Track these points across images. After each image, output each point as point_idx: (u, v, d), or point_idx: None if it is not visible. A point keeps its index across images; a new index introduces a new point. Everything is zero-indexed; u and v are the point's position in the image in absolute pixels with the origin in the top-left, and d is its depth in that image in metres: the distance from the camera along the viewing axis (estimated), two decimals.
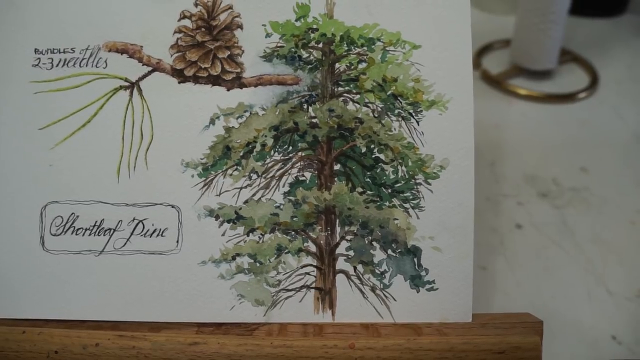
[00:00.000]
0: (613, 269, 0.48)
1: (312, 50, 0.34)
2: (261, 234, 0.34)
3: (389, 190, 0.34)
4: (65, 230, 0.34)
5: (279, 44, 0.34)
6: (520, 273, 0.48)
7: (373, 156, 0.34)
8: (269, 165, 0.34)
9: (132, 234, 0.34)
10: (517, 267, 0.48)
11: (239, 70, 0.34)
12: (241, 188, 0.34)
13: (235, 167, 0.34)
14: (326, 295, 0.34)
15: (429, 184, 0.34)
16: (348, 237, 0.34)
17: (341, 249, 0.34)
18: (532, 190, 0.56)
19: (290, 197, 0.34)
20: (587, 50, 0.75)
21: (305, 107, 0.34)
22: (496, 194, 0.55)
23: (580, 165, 0.59)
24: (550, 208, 0.54)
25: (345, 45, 0.34)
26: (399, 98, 0.34)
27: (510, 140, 0.62)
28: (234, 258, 0.34)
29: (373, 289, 0.34)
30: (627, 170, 0.58)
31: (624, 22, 0.84)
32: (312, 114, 0.34)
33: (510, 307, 0.45)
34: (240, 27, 0.34)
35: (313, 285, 0.34)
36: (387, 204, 0.34)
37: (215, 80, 0.34)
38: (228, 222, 0.34)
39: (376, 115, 0.34)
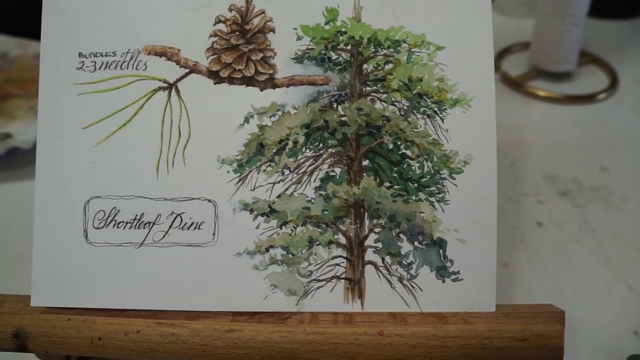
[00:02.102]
0: (633, 266, 0.49)
1: (341, 52, 0.35)
2: (293, 227, 0.35)
3: (415, 185, 0.35)
4: (107, 223, 0.35)
5: (309, 47, 0.35)
6: (541, 269, 0.49)
7: (400, 152, 0.35)
8: (301, 161, 0.35)
9: (170, 227, 0.35)
10: (539, 263, 0.49)
11: (271, 71, 0.35)
12: (274, 183, 0.35)
13: (268, 163, 0.35)
14: (355, 285, 0.35)
15: (454, 178, 0.35)
16: (376, 230, 0.35)
17: (370, 241, 0.35)
18: (553, 189, 0.57)
19: (321, 192, 0.35)
20: (606, 51, 0.75)
21: (335, 106, 0.35)
22: (517, 193, 0.56)
23: (600, 165, 0.59)
24: (570, 206, 0.55)
25: (373, 47, 0.35)
26: (424, 97, 0.35)
27: (531, 141, 0.63)
28: (267, 250, 0.35)
29: (400, 280, 0.35)
30: None
31: None
32: (342, 113, 0.35)
33: (532, 302, 0.45)
34: (273, 30, 0.36)
35: (343, 275, 0.35)
36: (413, 197, 0.35)
37: (249, 81, 0.35)
38: (262, 215, 0.35)
39: (402, 114, 0.35)
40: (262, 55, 0.35)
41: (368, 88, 0.35)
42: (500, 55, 0.75)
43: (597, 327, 0.44)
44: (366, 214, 0.35)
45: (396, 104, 0.35)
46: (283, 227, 0.35)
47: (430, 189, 0.35)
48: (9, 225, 0.54)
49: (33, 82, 0.69)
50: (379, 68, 0.35)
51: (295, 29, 0.35)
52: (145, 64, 0.36)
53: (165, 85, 0.36)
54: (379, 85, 0.35)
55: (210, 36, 0.36)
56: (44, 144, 0.36)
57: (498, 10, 0.83)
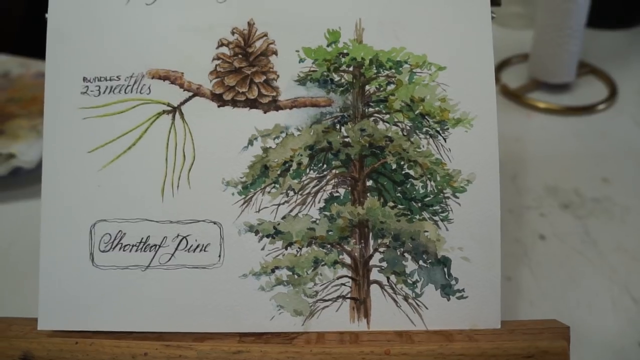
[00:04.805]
0: (637, 277, 0.49)
1: (343, 73, 0.36)
2: (299, 248, 0.35)
3: (419, 204, 0.35)
4: (113, 246, 0.36)
5: (312, 69, 0.36)
6: (545, 283, 0.49)
7: (403, 172, 0.35)
8: (305, 182, 0.35)
9: (176, 249, 0.35)
10: (542, 277, 0.49)
11: (274, 93, 0.36)
12: (279, 204, 0.35)
13: (273, 185, 0.35)
14: (361, 304, 0.35)
15: (457, 197, 0.35)
16: (381, 249, 0.35)
17: (375, 260, 0.35)
18: (554, 201, 0.57)
19: (326, 212, 0.35)
20: (605, 62, 0.76)
21: (338, 127, 0.36)
22: (519, 206, 0.56)
23: (602, 176, 0.59)
24: (572, 219, 0.55)
25: (375, 68, 0.36)
26: (426, 117, 0.35)
27: (531, 153, 0.63)
28: (273, 271, 0.35)
29: (406, 298, 0.35)
30: None
31: None
32: (345, 134, 0.36)
33: (536, 316, 0.45)
34: (275, 53, 0.36)
35: (348, 295, 0.35)
36: (417, 217, 0.35)
37: (252, 104, 0.36)
38: (267, 236, 0.35)
39: (405, 134, 0.35)
40: (265, 77, 0.36)
41: (370, 109, 0.36)
42: (500, 67, 0.75)
43: (601, 339, 0.44)
44: (371, 234, 0.35)
45: (399, 124, 0.35)
46: (288, 248, 0.35)
47: (434, 208, 0.35)
48: (13, 245, 0.54)
49: (35, 102, 0.69)
50: (381, 89, 0.36)
51: (297, 51, 0.36)
52: (149, 87, 0.36)
53: (169, 108, 0.36)
54: (381, 106, 0.36)
55: (213, 59, 0.36)
56: (50, 168, 0.36)
57: (497, 22, 0.83)
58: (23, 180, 0.60)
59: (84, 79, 0.36)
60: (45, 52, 0.37)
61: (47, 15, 0.37)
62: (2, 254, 0.53)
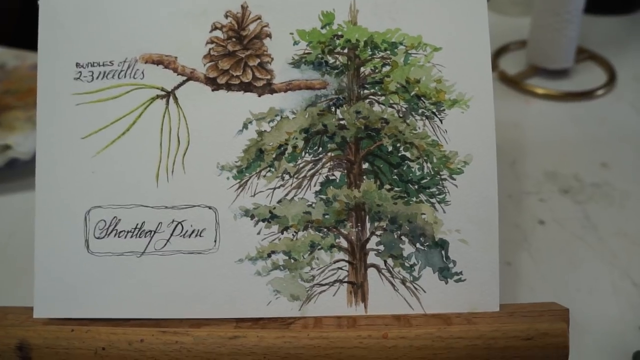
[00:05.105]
0: (637, 261, 0.49)
1: (337, 55, 0.36)
2: (295, 232, 0.35)
3: (416, 187, 0.35)
4: (108, 233, 0.36)
5: (306, 51, 0.36)
6: (544, 268, 0.49)
7: (399, 154, 0.35)
8: (301, 166, 0.35)
9: (171, 235, 0.35)
10: (542, 262, 0.49)
11: (269, 77, 0.35)
12: (275, 188, 0.35)
13: (268, 168, 0.35)
14: (358, 288, 0.35)
15: (454, 179, 0.35)
16: (378, 233, 0.35)
17: (371, 244, 0.35)
18: (554, 186, 0.57)
19: (322, 196, 0.35)
20: (604, 47, 0.76)
21: (333, 109, 0.35)
22: (518, 192, 0.56)
23: (601, 161, 0.59)
24: (572, 204, 0.55)
25: (369, 50, 0.35)
26: (422, 98, 0.35)
27: (530, 139, 0.63)
28: (269, 255, 0.35)
29: (403, 282, 0.35)
30: None
31: (639, 18, 0.84)
32: (340, 116, 0.35)
33: (536, 301, 0.45)
34: (269, 36, 0.36)
35: (345, 279, 0.35)
36: (414, 199, 0.35)
37: (247, 87, 0.36)
38: (263, 221, 0.35)
39: (401, 116, 0.35)
40: (259, 60, 0.35)
41: (366, 91, 0.35)
42: (498, 54, 0.75)
43: (602, 323, 0.44)
44: (367, 217, 0.35)
45: (394, 106, 0.35)
46: (284, 232, 0.35)
47: (431, 190, 0.35)
48: (10, 237, 0.54)
49: (31, 93, 0.69)
50: (376, 71, 0.35)
51: (291, 33, 0.36)
52: (142, 72, 0.36)
53: (163, 93, 0.36)
54: (376, 88, 0.35)
55: (207, 43, 0.36)
56: (43, 155, 0.36)
57: (494, 9, 0.84)
58: (19, 172, 0.60)
59: (77, 65, 0.36)
60: (38, 38, 0.37)
61: (39, 2, 0.37)
62: (0, 246, 0.53)
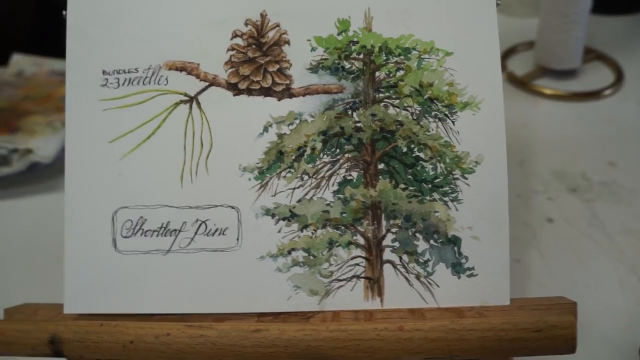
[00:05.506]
0: None
1: (353, 61, 0.37)
2: (314, 230, 0.36)
3: (429, 186, 0.36)
4: (134, 232, 0.37)
5: (323, 57, 0.37)
6: (553, 264, 0.50)
7: (413, 155, 0.36)
8: (319, 167, 0.37)
9: (196, 233, 0.36)
10: (550, 259, 0.50)
11: (288, 82, 0.37)
12: (294, 188, 0.36)
13: (288, 169, 0.37)
14: (375, 283, 0.36)
15: (466, 178, 0.36)
16: (393, 230, 0.36)
17: (387, 240, 0.36)
18: (562, 185, 0.58)
19: (340, 195, 0.36)
20: (611, 47, 0.76)
21: (349, 113, 0.37)
22: (527, 190, 0.57)
23: (608, 160, 0.60)
24: (580, 202, 0.56)
25: (384, 55, 0.37)
26: (435, 101, 0.36)
27: (538, 139, 0.64)
28: (289, 252, 0.36)
29: (417, 277, 0.36)
30: None
31: None
32: (357, 119, 0.37)
33: (544, 296, 0.46)
34: (288, 42, 0.37)
35: (362, 275, 0.36)
36: (428, 198, 0.36)
37: (267, 92, 0.37)
38: (283, 219, 0.36)
39: (415, 118, 0.36)
40: (278, 66, 0.37)
41: (381, 94, 0.37)
42: (506, 55, 0.76)
43: (609, 319, 0.45)
44: (383, 215, 0.36)
45: (408, 108, 0.36)
46: (304, 230, 0.36)
47: (444, 189, 0.36)
48: (33, 238, 0.56)
49: (50, 99, 0.70)
50: (391, 75, 0.37)
51: (309, 40, 0.37)
52: (166, 78, 0.37)
53: (186, 98, 0.37)
54: (391, 92, 0.37)
55: (228, 50, 0.37)
56: (72, 159, 0.37)
57: (502, 11, 0.84)
58: (40, 175, 0.62)
59: (104, 72, 0.38)
60: (65, 48, 0.38)
61: (65, 12, 0.38)
62: (22, 247, 0.54)
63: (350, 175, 0.36)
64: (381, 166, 0.36)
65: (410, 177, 0.36)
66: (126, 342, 0.34)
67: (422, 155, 0.36)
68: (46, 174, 0.62)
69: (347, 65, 0.37)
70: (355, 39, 0.37)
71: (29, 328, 0.35)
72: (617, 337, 0.43)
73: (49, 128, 0.64)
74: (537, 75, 0.72)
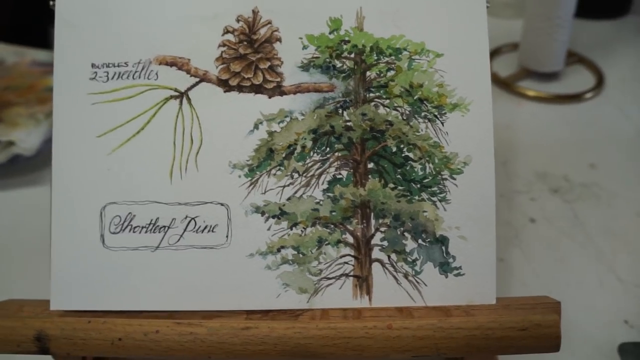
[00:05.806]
0: (622, 258, 0.51)
1: (345, 60, 0.37)
2: (303, 228, 0.36)
3: (418, 186, 0.37)
4: (123, 228, 0.37)
5: (314, 55, 0.37)
6: (535, 264, 0.50)
7: (403, 155, 0.37)
8: (309, 165, 0.37)
9: (185, 230, 0.36)
10: (533, 258, 0.51)
11: (279, 79, 0.37)
12: (284, 186, 0.36)
13: (278, 167, 0.37)
14: (363, 282, 0.36)
15: (454, 179, 0.36)
16: (382, 229, 0.36)
17: (376, 239, 0.36)
18: (544, 186, 0.58)
19: (329, 194, 0.36)
20: (593, 51, 0.77)
21: (340, 111, 0.37)
22: (510, 191, 0.58)
23: (589, 162, 0.61)
24: (561, 203, 0.57)
25: (375, 55, 0.37)
26: (424, 102, 0.37)
27: (521, 140, 0.65)
28: (279, 250, 0.36)
29: (406, 276, 0.36)
30: (633, 165, 0.61)
31: (627, 23, 0.86)
32: (347, 118, 0.37)
33: (528, 294, 0.47)
34: (279, 40, 0.37)
35: (351, 273, 0.36)
36: (416, 198, 0.36)
37: (257, 89, 0.37)
38: (273, 217, 0.36)
39: (405, 118, 0.37)
40: (269, 64, 0.37)
41: (371, 94, 0.37)
42: (490, 56, 0.76)
43: (589, 317, 0.46)
44: (372, 214, 0.37)
45: (398, 109, 0.37)
46: (293, 228, 0.36)
47: (432, 189, 0.36)
48: (14, 231, 0.55)
49: (32, 90, 0.69)
50: (382, 75, 0.37)
51: (300, 38, 0.37)
52: (156, 73, 0.37)
53: (176, 94, 0.37)
54: (381, 92, 0.37)
55: (219, 46, 0.37)
56: (60, 153, 0.37)
57: (487, 12, 0.85)
58: (22, 168, 0.61)
59: (93, 65, 0.37)
60: (51, 39, 0.38)
61: (52, 3, 0.37)
62: (4, 241, 0.54)
63: (340, 174, 0.37)
64: (371, 165, 0.37)
65: (399, 176, 0.37)
66: (114, 339, 0.34)
67: (411, 155, 0.37)
68: (29, 167, 0.61)
69: (338, 64, 0.37)
70: (346, 38, 0.37)
71: (14, 325, 0.35)
72: (597, 336, 0.44)
73: (32, 120, 0.63)
74: (520, 76, 0.73)
